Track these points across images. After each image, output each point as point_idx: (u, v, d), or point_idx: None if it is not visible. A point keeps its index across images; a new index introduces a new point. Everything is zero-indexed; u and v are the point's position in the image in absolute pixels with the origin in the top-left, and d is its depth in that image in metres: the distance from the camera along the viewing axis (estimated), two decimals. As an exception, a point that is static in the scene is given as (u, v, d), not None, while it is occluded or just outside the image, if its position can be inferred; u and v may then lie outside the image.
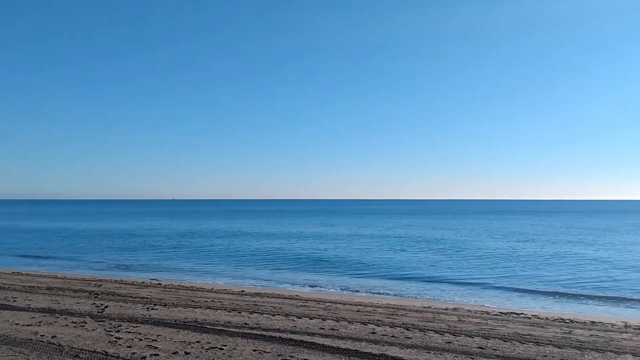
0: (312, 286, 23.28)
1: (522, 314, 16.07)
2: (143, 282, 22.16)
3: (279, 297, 18.22)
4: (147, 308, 15.04)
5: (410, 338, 11.51)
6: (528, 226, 75.03)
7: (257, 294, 19.11)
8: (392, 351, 10.21)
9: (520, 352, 10.46)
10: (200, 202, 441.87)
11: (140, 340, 10.79)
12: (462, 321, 14.12)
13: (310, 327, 12.62)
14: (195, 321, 13.04)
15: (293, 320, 13.52)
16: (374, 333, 11.97)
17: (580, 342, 11.61)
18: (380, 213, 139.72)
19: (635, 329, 13.87)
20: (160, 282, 22.39)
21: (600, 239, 50.31)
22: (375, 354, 9.90)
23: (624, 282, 24.41)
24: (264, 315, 14.11)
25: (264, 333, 11.66)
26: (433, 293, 21.74)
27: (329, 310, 15.44)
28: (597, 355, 10.35)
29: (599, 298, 20.60)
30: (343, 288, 22.82)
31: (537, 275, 26.79)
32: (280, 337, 11.27)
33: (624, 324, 14.64)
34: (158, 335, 11.29)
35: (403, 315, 14.88)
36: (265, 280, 25.20)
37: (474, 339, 11.56)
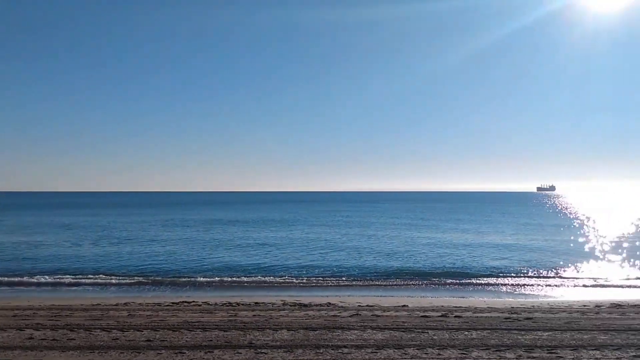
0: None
1: (194, 302, 16.70)
2: None
3: None
4: None
5: (74, 339, 10.86)
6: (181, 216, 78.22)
7: None
8: (51, 356, 9.50)
9: (187, 339, 10.86)
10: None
11: None
12: (133, 315, 13.96)
13: (-53, 341, 10.80)
14: None
15: None
16: (31, 338, 10.92)
17: (244, 323, 12.66)
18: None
19: (291, 305, 15.78)
20: None
21: (236, 229, 55.59)
22: (30, 362, 9.04)
23: (274, 266, 27.49)
24: None
25: None
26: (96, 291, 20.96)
27: (-26, 319, 13.46)
28: (258, 333, 11.42)
29: (260, 282, 22.73)
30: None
31: (205, 264, 28.17)
32: None
33: (282, 302, 16.50)
34: None
35: (67, 315, 13.94)
36: None
37: (143, 333, 11.54)
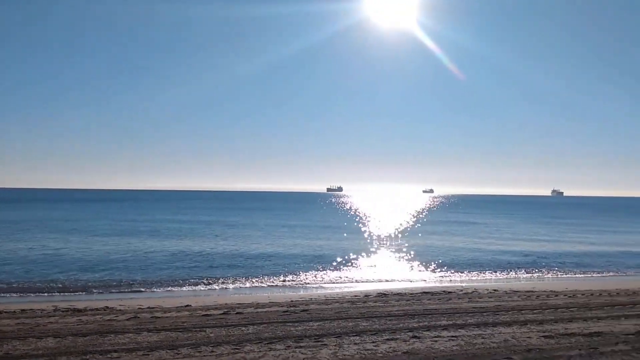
0: None
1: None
2: None
3: None
4: None
5: None
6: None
7: None
8: None
9: None
10: None
11: None
12: None
13: None
14: None
15: None
16: None
17: (3, 332, 11.48)
18: None
19: (64, 311, 14.65)
20: None
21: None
22: None
23: (47, 269, 25.45)
24: None
25: None
26: None
27: None
28: (18, 342, 10.43)
29: (29, 288, 20.72)
30: None
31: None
32: None
33: (54, 308, 15.21)
34: None
35: None
36: None
37: None
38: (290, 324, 12.32)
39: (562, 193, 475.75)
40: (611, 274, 27.30)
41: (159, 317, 13.40)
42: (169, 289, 21.13)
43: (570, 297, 17.41)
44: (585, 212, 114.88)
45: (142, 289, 20.92)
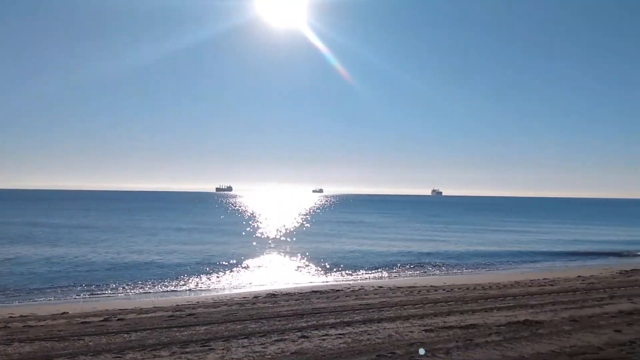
0: None
1: None
2: None
3: None
4: None
5: None
6: None
7: None
8: None
9: None
10: None
11: None
12: None
13: None
14: None
15: None
16: None
17: None
18: None
19: None
20: None
21: None
22: None
23: None
24: None
25: None
26: None
27: None
28: None
29: None
30: None
31: None
32: None
33: None
34: None
35: None
36: None
37: None
38: (176, 329, 11.97)
39: (441, 193, 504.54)
40: (485, 269, 29.27)
41: (33, 326, 12.49)
42: (43, 296, 19.76)
43: (448, 291, 18.44)
44: (461, 211, 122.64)
45: (14, 297, 19.41)
